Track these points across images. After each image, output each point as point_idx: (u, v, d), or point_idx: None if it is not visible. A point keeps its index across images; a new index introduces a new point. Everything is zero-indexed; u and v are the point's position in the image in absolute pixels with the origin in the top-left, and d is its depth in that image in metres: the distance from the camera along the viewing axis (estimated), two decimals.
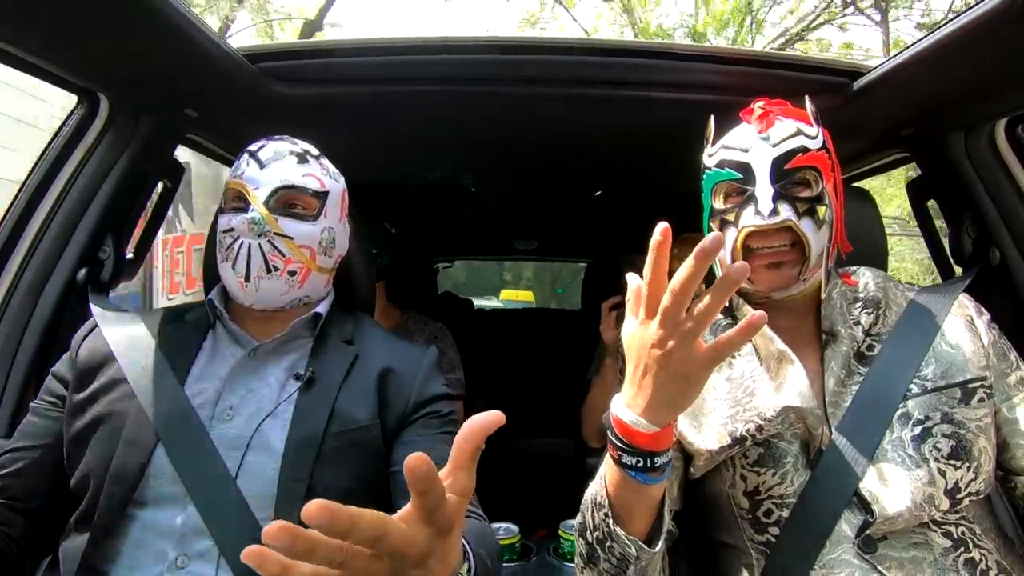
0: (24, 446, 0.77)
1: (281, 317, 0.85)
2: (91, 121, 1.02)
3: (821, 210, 0.74)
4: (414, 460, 0.36)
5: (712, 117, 0.83)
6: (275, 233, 0.81)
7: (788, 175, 0.75)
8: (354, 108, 1.17)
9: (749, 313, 0.78)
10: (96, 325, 0.85)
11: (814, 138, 0.77)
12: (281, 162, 0.83)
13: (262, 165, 0.83)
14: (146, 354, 0.80)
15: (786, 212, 0.74)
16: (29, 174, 1.01)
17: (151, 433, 0.73)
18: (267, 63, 1.03)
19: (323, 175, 0.87)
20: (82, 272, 1.01)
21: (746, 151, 0.78)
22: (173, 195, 1.21)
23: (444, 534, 0.41)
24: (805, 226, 0.74)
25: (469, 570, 0.53)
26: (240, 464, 0.73)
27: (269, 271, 0.81)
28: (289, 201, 0.83)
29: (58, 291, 0.99)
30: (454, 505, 0.41)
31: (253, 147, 0.85)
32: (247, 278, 0.81)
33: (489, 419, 0.42)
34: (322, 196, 0.85)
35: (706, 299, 0.51)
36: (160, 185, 1.17)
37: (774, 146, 0.76)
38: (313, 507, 0.34)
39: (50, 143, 1.03)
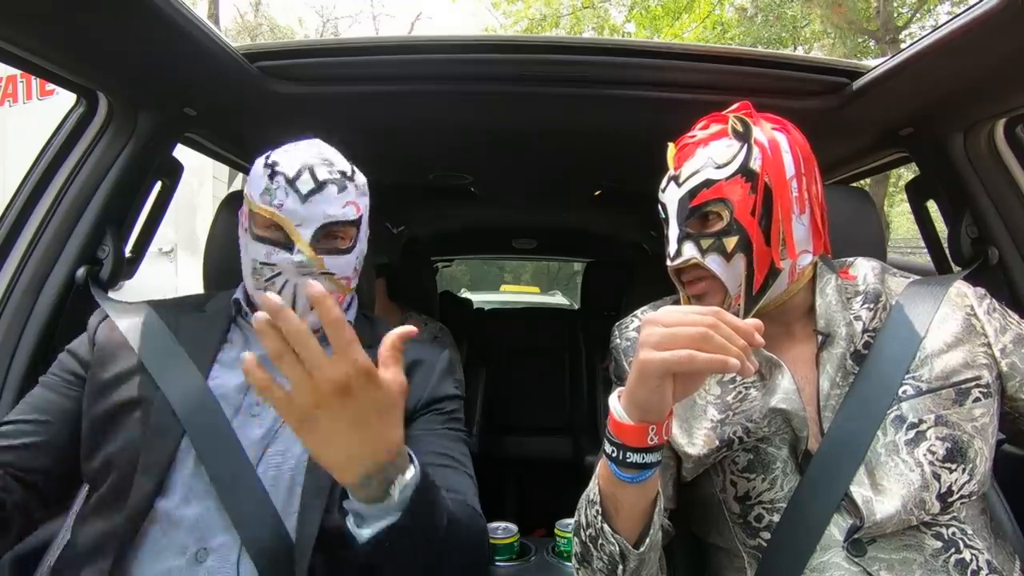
0: (36, 419, 0.76)
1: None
2: (90, 119, 1.03)
3: (729, 242, 0.73)
4: (314, 294, 0.49)
5: (670, 145, 0.82)
6: (319, 272, 0.81)
7: (692, 213, 0.75)
8: (353, 107, 1.17)
9: None
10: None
11: (724, 165, 0.74)
12: (323, 194, 0.80)
13: (303, 198, 0.79)
14: (164, 345, 0.80)
15: (689, 252, 0.75)
16: (28, 172, 1.01)
17: (176, 424, 0.73)
18: (267, 62, 1.03)
19: (358, 196, 0.84)
20: (81, 271, 1.01)
21: (664, 191, 0.80)
22: (172, 194, 1.21)
23: (365, 377, 0.50)
24: (711, 262, 0.74)
25: (411, 475, 0.57)
26: (261, 458, 0.74)
27: (313, 307, 0.82)
28: (331, 235, 0.82)
29: (57, 290, 0.99)
30: (373, 367, 0.51)
31: (288, 171, 0.80)
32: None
33: (403, 329, 0.55)
34: (359, 222, 0.85)
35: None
36: (159, 184, 1.17)
37: (680, 185, 0.76)
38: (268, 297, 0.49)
39: (49, 141, 1.03)
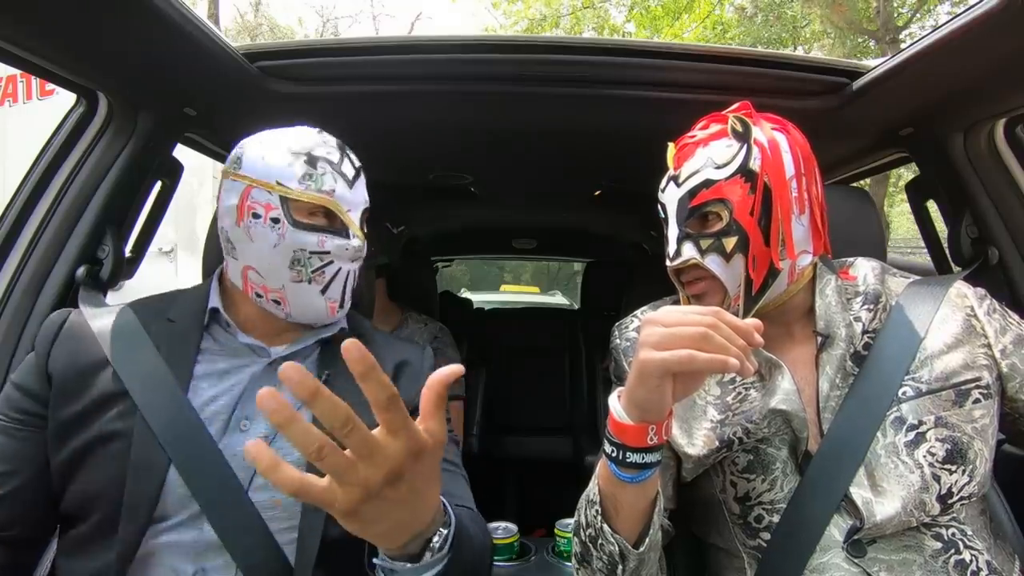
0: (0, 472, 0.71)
1: (297, 326, 0.83)
2: (90, 119, 1.02)
3: (728, 242, 0.73)
4: (348, 344, 0.40)
5: (670, 145, 0.82)
6: (363, 258, 0.81)
7: (692, 213, 0.75)
8: (353, 107, 1.17)
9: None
10: (63, 324, 0.78)
11: (723, 165, 0.74)
12: (361, 179, 0.81)
13: (350, 183, 0.79)
14: (145, 360, 0.74)
15: (688, 252, 0.75)
16: (28, 172, 1.01)
17: (161, 453, 0.69)
18: (266, 62, 1.03)
19: None
20: (81, 270, 1.01)
21: (663, 191, 0.80)
22: (172, 194, 1.21)
23: (416, 455, 0.44)
24: (711, 262, 0.74)
25: (448, 526, 0.54)
26: (255, 474, 0.70)
27: (352, 294, 0.82)
28: (364, 221, 0.83)
29: (57, 290, 0.99)
30: (426, 439, 0.44)
31: (330, 156, 0.78)
32: (342, 304, 0.80)
33: (448, 370, 0.45)
34: None
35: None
36: (159, 184, 1.17)
37: (679, 185, 0.77)
38: (288, 365, 0.39)
39: (49, 141, 1.03)
